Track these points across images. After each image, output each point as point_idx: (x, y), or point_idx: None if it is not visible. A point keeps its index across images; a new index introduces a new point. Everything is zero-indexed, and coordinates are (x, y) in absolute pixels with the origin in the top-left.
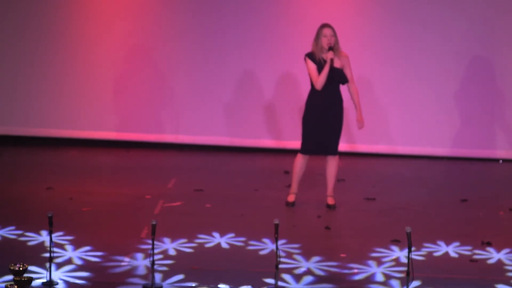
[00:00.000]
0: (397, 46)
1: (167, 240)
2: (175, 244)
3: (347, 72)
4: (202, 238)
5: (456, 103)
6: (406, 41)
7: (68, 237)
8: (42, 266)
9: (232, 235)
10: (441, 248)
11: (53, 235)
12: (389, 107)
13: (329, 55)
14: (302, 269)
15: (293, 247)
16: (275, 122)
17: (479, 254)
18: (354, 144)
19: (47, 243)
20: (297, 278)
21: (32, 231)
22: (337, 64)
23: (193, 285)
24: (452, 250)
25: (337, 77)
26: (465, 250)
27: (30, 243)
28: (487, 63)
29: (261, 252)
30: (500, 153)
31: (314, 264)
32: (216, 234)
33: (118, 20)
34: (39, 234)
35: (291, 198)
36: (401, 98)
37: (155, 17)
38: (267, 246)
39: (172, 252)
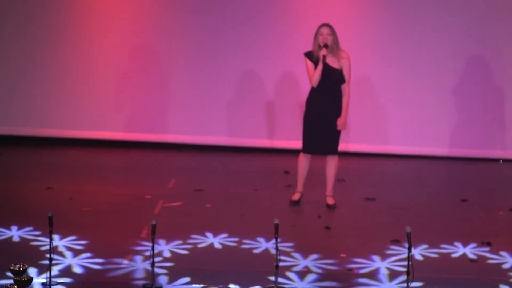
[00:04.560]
0: (397, 46)
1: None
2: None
3: (345, 73)
4: (203, 238)
5: (456, 103)
6: (406, 41)
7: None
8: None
9: (232, 235)
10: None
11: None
12: (389, 107)
13: (322, 52)
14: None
15: (329, 263)
16: (276, 122)
17: (447, 248)
18: (354, 144)
19: (16, 239)
20: (300, 276)
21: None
22: (335, 64)
23: (193, 285)
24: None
25: (336, 77)
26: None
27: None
28: (487, 63)
29: (260, 251)
30: (500, 153)
31: (313, 262)
32: (216, 234)
33: (118, 20)
34: (9, 229)
35: (295, 196)
36: (401, 98)
37: (155, 18)
38: (267, 246)
39: (173, 253)
